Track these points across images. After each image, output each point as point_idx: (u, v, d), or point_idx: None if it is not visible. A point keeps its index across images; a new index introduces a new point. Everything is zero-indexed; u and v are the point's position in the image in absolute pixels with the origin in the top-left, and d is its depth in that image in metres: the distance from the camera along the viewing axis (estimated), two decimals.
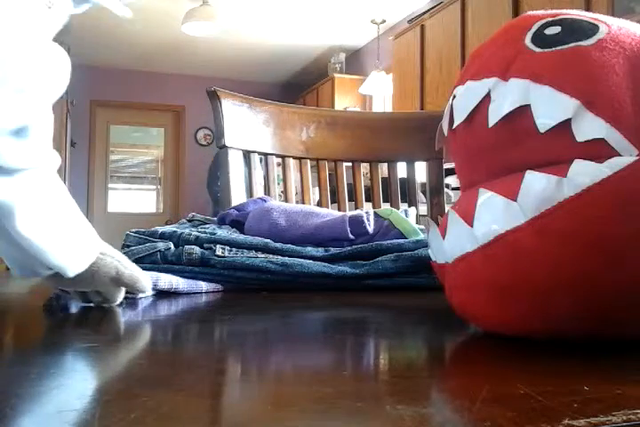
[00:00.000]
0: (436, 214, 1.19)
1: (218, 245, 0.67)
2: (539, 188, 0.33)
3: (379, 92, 5.05)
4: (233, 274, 0.65)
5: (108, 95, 6.70)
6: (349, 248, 0.70)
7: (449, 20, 3.92)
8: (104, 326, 0.47)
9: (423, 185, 1.36)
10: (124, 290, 0.52)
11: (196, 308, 0.56)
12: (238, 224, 0.80)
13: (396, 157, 1.27)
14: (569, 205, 0.32)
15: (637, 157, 0.31)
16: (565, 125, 0.33)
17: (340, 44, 5.70)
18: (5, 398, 0.25)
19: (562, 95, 0.33)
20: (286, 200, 1.17)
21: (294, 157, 1.22)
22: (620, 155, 0.32)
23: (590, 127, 0.33)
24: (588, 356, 0.33)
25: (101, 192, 6.89)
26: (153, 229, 0.72)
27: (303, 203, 1.20)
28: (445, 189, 1.29)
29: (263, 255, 0.66)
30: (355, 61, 5.76)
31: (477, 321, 0.39)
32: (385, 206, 1.05)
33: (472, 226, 0.35)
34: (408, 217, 0.78)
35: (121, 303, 0.52)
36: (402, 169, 1.25)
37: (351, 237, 0.73)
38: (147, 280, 0.53)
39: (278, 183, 1.22)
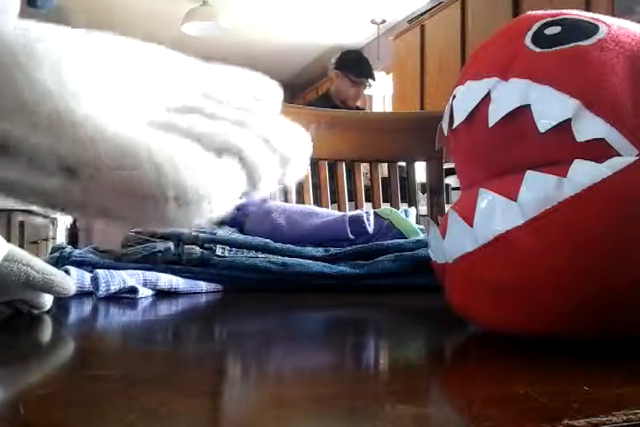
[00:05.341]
0: (436, 214, 1.19)
1: (218, 245, 0.67)
2: (539, 188, 0.33)
3: (379, 92, 5.05)
4: (233, 274, 0.65)
5: None
6: (349, 248, 0.70)
7: (449, 20, 3.92)
8: (103, 325, 0.47)
9: (423, 185, 1.36)
10: (48, 295, 0.46)
11: (195, 308, 0.56)
12: (238, 224, 0.80)
13: (396, 157, 1.27)
14: (569, 205, 0.32)
15: (637, 157, 0.31)
16: (565, 125, 0.33)
17: (340, 44, 5.70)
18: None
19: (562, 95, 0.33)
20: (286, 200, 1.17)
21: None
22: (620, 155, 0.32)
23: (590, 127, 0.33)
24: (588, 356, 0.33)
25: None
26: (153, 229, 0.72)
27: (303, 203, 1.20)
28: (445, 189, 1.29)
29: (263, 255, 0.66)
30: None
31: (477, 321, 0.39)
32: (385, 206, 1.05)
33: (472, 226, 0.35)
34: (408, 217, 0.78)
35: (50, 309, 0.47)
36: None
37: (351, 237, 0.73)
38: (65, 282, 0.46)
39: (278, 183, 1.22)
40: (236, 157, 0.24)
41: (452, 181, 2.79)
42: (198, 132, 0.24)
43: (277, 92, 0.29)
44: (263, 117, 0.27)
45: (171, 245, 0.67)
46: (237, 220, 0.80)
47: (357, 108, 3.17)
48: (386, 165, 1.27)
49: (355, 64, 3.00)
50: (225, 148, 0.24)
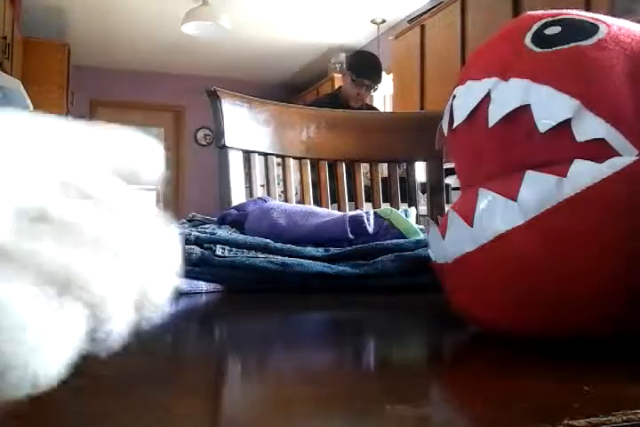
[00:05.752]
0: (436, 214, 1.19)
1: (218, 245, 0.67)
2: (539, 188, 0.33)
3: (379, 92, 5.05)
4: (233, 274, 0.64)
5: (108, 95, 6.70)
6: (349, 248, 0.70)
7: (449, 20, 3.92)
8: None
9: (423, 185, 1.36)
10: None
11: (195, 308, 0.56)
12: (238, 224, 0.80)
13: (396, 157, 1.27)
14: (569, 205, 0.32)
15: (637, 157, 0.31)
16: (565, 125, 0.33)
17: (340, 43, 5.70)
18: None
19: (562, 95, 0.33)
20: (286, 200, 1.17)
21: (294, 157, 1.22)
22: (620, 155, 0.32)
23: (590, 127, 0.33)
24: (588, 356, 0.33)
25: None
26: None
27: (303, 203, 1.20)
28: (445, 189, 1.29)
29: (263, 255, 0.66)
30: None
31: (477, 321, 0.39)
32: (385, 206, 1.06)
33: (472, 226, 0.35)
34: (408, 217, 0.78)
35: None
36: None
37: (351, 237, 0.73)
38: None
39: (278, 183, 1.22)
40: (81, 297, 0.18)
41: (452, 181, 2.80)
42: (37, 264, 0.17)
43: (158, 157, 0.22)
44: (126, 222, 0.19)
45: None
46: (237, 220, 0.80)
47: (369, 107, 3.16)
48: (386, 165, 1.28)
49: (357, 64, 3.02)
50: (67, 283, 0.18)
